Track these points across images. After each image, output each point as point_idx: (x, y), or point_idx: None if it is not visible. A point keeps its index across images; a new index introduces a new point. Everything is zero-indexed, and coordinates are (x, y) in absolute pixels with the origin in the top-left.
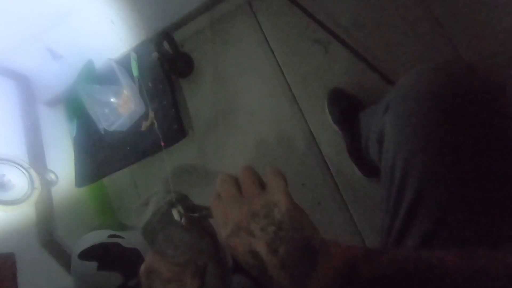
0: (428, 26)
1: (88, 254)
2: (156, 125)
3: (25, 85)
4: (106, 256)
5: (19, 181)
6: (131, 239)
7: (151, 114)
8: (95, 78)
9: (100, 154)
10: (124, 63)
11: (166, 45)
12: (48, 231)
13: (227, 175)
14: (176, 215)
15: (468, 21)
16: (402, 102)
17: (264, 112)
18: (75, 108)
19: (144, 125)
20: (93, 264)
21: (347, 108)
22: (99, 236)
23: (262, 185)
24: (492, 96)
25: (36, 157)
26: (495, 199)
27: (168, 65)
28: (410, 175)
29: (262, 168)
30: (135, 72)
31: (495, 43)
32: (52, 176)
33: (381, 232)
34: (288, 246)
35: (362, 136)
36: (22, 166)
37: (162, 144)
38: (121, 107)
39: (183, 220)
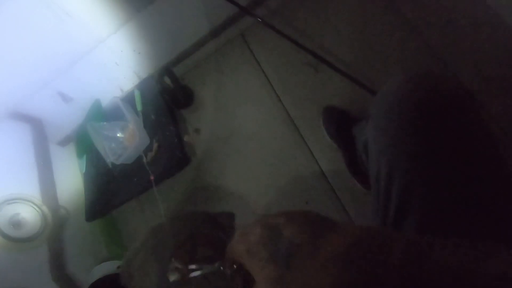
0: (411, 39)
1: (98, 286)
2: (145, 160)
3: (38, 128)
4: (116, 287)
5: (32, 219)
6: None
7: (155, 145)
8: (103, 115)
9: (109, 187)
10: (128, 99)
11: (167, 79)
12: (60, 266)
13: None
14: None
15: (452, 35)
16: (380, 111)
17: (262, 136)
18: (84, 145)
19: (149, 156)
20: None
21: (341, 124)
22: (109, 268)
23: None
24: (461, 102)
25: (48, 194)
26: (476, 200)
27: (169, 98)
28: (393, 182)
29: (265, 191)
30: (139, 107)
31: (479, 56)
32: (64, 211)
33: None
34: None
35: (357, 149)
36: (35, 204)
37: (151, 178)
38: (127, 141)
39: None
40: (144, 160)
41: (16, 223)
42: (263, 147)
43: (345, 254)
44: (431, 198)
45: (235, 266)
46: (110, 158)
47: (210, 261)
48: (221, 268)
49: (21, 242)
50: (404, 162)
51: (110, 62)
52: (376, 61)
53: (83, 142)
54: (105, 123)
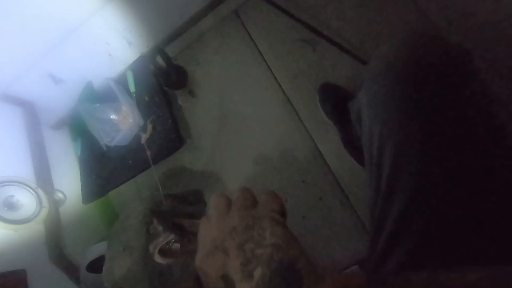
0: (409, 11)
1: (95, 265)
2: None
3: (30, 111)
4: None
5: (27, 201)
6: None
7: (149, 127)
8: (95, 97)
9: (104, 170)
10: (121, 80)
11: (160, 59)
12: (57, 247)
13: (219, 194)
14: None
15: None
16: (370, 75)
17: (258, 115)
18: (78, 128)
19: (144, 137)
20: (102, 276)
21: (337, 101)
22: (105, 248)
23: (255, 204)
24: (457, 63)
25: (43, 178)
26: (471, 169)
27: (163, 78)
28: (386, 147)
29: (261, 170)
30: (132, 88)
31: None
32: (60, 195)
33: (368, 207)
34: (266, 268)
35: (352, 123)
36: (29, 187)
37: (148, 153)
38: (121, 123)
39: None
40: (144, 144)
41: (11, 205)
42: (259, 127)
43: None
44: (423, 168)
45: None
46: (104, 141)
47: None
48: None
49: (16, 223)
50: (396, 128)
51: (99, 41)
52: (376, 35)
53: (77, 125)
54: (98, 105)
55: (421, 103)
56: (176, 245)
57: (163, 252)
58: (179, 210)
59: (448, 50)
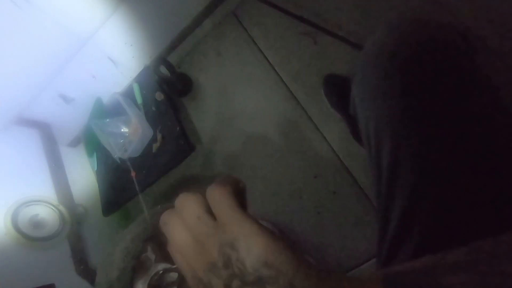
0: None
1: None
2: (129, 163)
3: (46, 132)
4: None
5: (50, 218)
6: None
7: (159, 136)
8: (105, 112)
9: (121, 182)
10: (128, 93)
11: (163, 69)
12: (83, 260)
13: (167, 213)
14: None
15: None
16: (360, 68)
17: (265, 114)
18: (93, 144)
19: (155, 147)
20: None
21: (343, 92)
22: None
23: (211, 214)
24: (449, 46)
25: (64, 194)
26: (472, 158)
27: (167, 87)
28: (383, 140)
29: (272, 168)
30: (139, 100)
31: None
32: (81, 209)
33: (373, 197)
34: None
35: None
36: (52, 204)
37: (132, 174)
38: (132, 135)
39: None
40: (128, 162)
41: (36, 224)
42: (267, 125)
43: None
44: (423, 156)
45: None
46: (117, 154)
47: None
48: None
49: (42, 241)
50: (389, 123)
51: (103, 58)
52: (376, 21)
53: (91, 141)
54: (108, 120)
55: (411, 95)
56: (172, 275)
57: (154, 287)
58: None
59: (437, 34)
